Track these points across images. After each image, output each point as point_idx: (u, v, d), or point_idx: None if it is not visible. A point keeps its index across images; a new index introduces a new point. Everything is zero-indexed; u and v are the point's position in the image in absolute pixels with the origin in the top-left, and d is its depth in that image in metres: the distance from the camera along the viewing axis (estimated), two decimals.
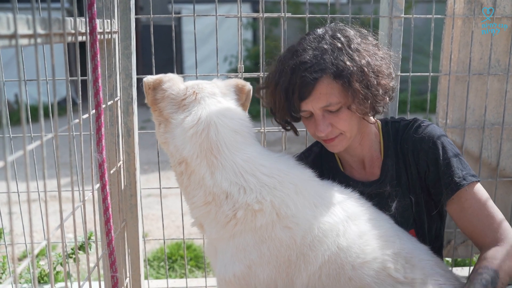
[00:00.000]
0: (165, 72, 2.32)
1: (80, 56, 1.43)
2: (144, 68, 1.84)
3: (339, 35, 1.80)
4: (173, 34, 2.27)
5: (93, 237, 2.32)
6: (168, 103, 1.78)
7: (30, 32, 1.16)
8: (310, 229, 1.66)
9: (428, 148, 1.85)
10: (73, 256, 2.66)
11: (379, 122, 2.03)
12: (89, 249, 2.51)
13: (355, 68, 1.73)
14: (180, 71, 12.26)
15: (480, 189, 1.81)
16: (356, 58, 1.75)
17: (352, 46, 1.78)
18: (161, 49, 2.26)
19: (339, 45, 1.77)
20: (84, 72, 1.48)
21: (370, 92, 1.76)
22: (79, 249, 2.66)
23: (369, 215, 1.78)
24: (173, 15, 2.34)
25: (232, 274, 1.69)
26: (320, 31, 1.85)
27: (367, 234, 1.71)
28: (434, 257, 1.84)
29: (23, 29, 1.13)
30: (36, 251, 1.20)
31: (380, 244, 1.70)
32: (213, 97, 1.79)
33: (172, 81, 1.81)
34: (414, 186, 1.92)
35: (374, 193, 1.93)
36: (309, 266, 1.66)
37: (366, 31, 1.93)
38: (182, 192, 1.86)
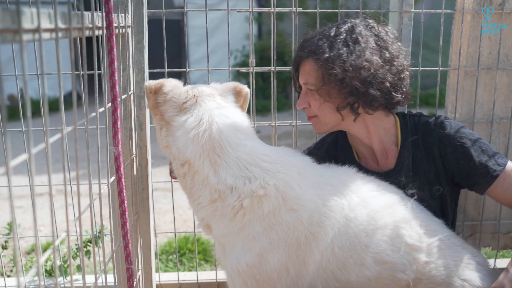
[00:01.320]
0: (172, 66, 2.35)
1: (86, 50, 1.45)
2: (150, 63, 1.86)
3: (354, 33, 1.90)
4: (186, 28, 2.28)
5: (104, 231, 2.34)
6: (169, 106, 1.82)
7: (52, 26, 1.18)
8: (316, 208, 1.71)
9: (457, 143, 1.92)
10: (85, 249, 2.69)
11: (396, 117, 2.06)
12: (100, 242, 2.53)
13: (342, 67, 1.83)
14: (184, 65, 12.28)
15: None
16: (352, 58, 1.83)
17: (354, 42, 1.87)
18: (166, 43, 2.28)
19: (342, 37, 1.89)
20: (90, 67, 1.49)
21: (348, 87, 1.84)
22: (90, 243, 2.69)
23: (374, 188, 1.84)
24: (185, 9, 2.35)
25: (245, 264, 1.71)
26: (345, 22, 1.97)
27: (373, 204, 1.77)
28: (449, 229, 1.90)
29: (45, 24, 1.15)
30: (57, 242, 1.22)
31: (389, 212, 1.77)
32: (212, 99, 1.84)
33: (173, 85, 1.85)
34: (440, 178, 1.98)
35: (389, 183, 1.95)
36: (320, 243, 1.70)
37: (385, 31, 1.98)
38: (187, 194, 1.86)
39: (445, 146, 1.94)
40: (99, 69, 1.50)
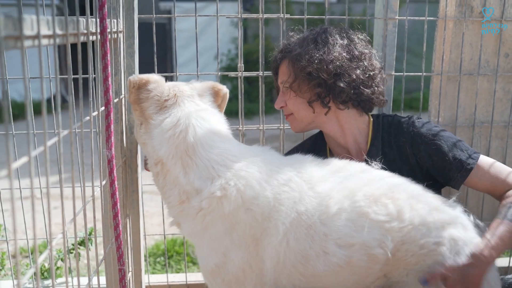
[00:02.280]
0: (158, 69, 2.38)
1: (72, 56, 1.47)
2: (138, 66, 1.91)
3: (325, 34, 2.05)
4: (174, 33, 2.32)
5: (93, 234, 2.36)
6: (151, 104, 1.84)
7: (50, 32, 1.21)
8: (267, 203, 1.71)
9: (429, 141, 1.98)
10: (74, 251, 2.70)
11: (370, 117, 2.15)
12: (90, 245, 2.54)
13: (299, 63, 1.99)
14: (171, 69, 12.27)
15: (484, 159, 1.96)
16: (308, 57, 1.98)
17: (311, 45, 2.01)
18: (152, 46, 2.31)
19: (312, 36, 2.05)
20: (76, 72, 1.51)
21: (316, 79, 1.97)
22: (80, 245, 2.70)
23: (337, 172, 1.83)
24: (174, 15, 2.39)
25: (213, 264, 1.74)
26: (321, 27, 2.12)
27: (327, 190, 1.75)
28: (417, 185, 1.87)
29: (44, 30, 1.18)
30: (54, 242, 1.25)
31: (345, 194, 1.73)
32: (192, 100, 1.86)
33: (157, 83, 1.86)
34: (415, 174, 2.02)
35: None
36: (272, 238, 1.70)
37: (358, 37, 2.13)
38: (160, 192, 1.90)
39: (417, 144, 2.00)
40: (88, 73, 1.53)
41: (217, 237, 1.73)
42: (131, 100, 1.88)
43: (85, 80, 1.58)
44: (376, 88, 2.07)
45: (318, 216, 1.70)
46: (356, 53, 2.03)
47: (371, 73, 2.04)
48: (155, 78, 1.88)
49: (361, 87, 2.01)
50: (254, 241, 1.71)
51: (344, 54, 2.01)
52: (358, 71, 2.00)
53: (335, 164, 1.88)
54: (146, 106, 1.84)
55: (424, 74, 2.62)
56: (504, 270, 2.83)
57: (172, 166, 1.77)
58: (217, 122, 1.88)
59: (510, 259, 2.91)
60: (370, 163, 1.98)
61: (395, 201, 1.72)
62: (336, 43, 2.02)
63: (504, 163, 2.71)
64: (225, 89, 2.02)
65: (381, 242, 1.68)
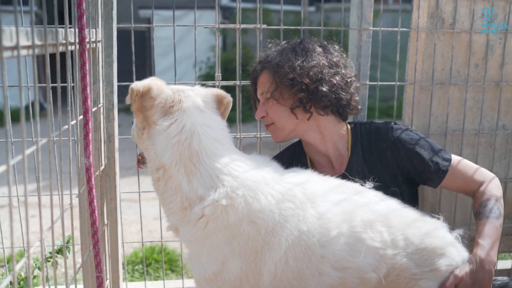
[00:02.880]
0: (137, 77, 2.40)
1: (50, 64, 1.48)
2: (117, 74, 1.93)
3: (302, 44, 2.13)
4: (152, 42, 2.35)
5: (70, 242, 2.36)
6: (156, 111, 1.81)
7: (29, 43, 1.24)
8: (273, 218, 1.72)
9: (409, 146, 2.08)
10: (50, 260, 2.69)
11: (348, 124, 2.20)
12: (67, 252, 2.54)
13: (281, 71, 2.04)
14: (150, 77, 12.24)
15: (455, 158, 2.11)
16: (289, 65, 2.04)
17: (291, 54, 2.08)
18: (130, 54, 2.34)
19: (290, 46, 2.12)
20: (54, 81, 1.53)
21: (298, 85, 2.02)
22: (58, 253, 2.69)
23: (334, 192, 1.85)
24: (153, 25, 2.42)
25: (211, 272, 1.75)
26: (297, 39, 2.19)
27: (328, 212, 1.77)
28: (408, 208, 1.93)
29: (22, 41, 1.20)
30: (31, 250, 1.27)
31: (344, 218, 1.76)
32: (197, 106, 1.86)
33: (160, 89, 1.83)
34: (396, 179, 2.11)
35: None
36: (274, 253, 1.72)
37: (333, 47, 2.21)
38: (159, 198, 1.90)
39: (398, 149, 2.09)
40: (66, 82, 1.55)
41: (218, 245, 1.74)
42: (134, 109, 1.85)
43: (64, 89, 1.60)
44: (353, 95, 2.15)
45: (318, 239, 1.73)
46: (334, 60, 2.12)
47: (348, 80, 2.12)
48: (157, 84, 1.84)
49: (341, 92, 2.08)
50: (254, 253, 1.72)
51: (323, 61, 2.08)
52: (337, 77, 2.08)
53: (335, 183, 1.92)
54: (151, 114, 1.82)
55: (397, 83, 2.69)
56: None
57: (175, 172, 1.77)
58: (221, 130, 1.88)
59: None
60: (353, 173, 2.07)
61: (389, 229, 1.77)
62: (315, 51, 2.10)
63: None
64: (229, 97, 2.00)
65: (375, 267, 1.74)
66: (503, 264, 3.08)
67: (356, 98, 2.17)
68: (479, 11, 2.66)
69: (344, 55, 2.22)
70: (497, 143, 2.83)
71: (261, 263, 1.73)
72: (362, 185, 1.96)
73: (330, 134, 2.15)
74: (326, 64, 2.08)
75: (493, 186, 2.04)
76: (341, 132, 2.17)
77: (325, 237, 1.73)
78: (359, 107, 2.21)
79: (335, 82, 2.06)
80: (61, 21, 1.48)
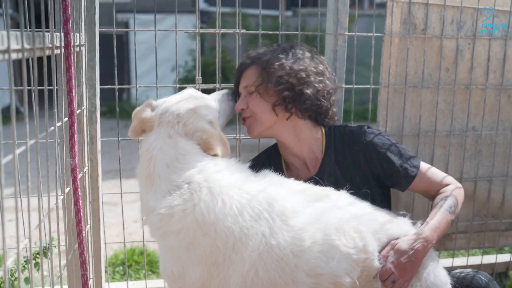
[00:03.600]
0: (113, 81, 2.46)
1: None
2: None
3: (293, 49, 2.21)
4: (133, 45, 2.40)
5: (54, 242, 2.39)
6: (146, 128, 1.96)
7: (19, 47, 1.28)
8: (231, 234, 1.75)
9: (380, 150, 2.15)
10: (35, 260, 2.70)
11: (322, 128, 2.27)
12: (48, 254, 2.56)
13: (270, 68, 2.11)
14: (128, 81, 12.21)
15: (424, 165, 2.19)
16: (279, 63, 2.12)
17: (282, 54, 2.17)
18: (108, 58, 2.38)
19: (278, 53, 2.19)
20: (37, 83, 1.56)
21: (284, 84, 2.09)
22: (38, 255, 2.71)
23: (305, 202, 1.90)
24: (135, 29, 2.47)
25: (170, 272, 1.84)
26: (288, 44, 2.29)
27: (299, 222, 1.82)
28: (378, 210, 2.04)
29: (13, 45, 1.25)
30: (21, 247, 1.31)
31: (318, 227, 1.83)
32: (168, 126, 1.89)
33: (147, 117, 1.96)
34: (368, 181, 2.20)
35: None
36: (238, 268, 1.76)
37: (321, 58, 2.31)
38: None
39: (370, 152, 2.17)
40: (51, 85, 1.59)
41: (172, 249, 1.82)
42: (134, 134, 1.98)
43: (41, 92, 1.64)
44: (332, 105, 2.24)
45: (291, 250, 1.78)
46: (321, 68, 2.21)
47: (330, 90, 2.21)
48: (147, 115, 1.96)
49: (322, 100, 2.17)
50: (215, 264, 1.78)
51: (311, 67, 2.17)
52: (321, 85, 2.17)
53: (307, 190, 1.98)
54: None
55: (372, 86, 2.78)
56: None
57: (140, 184, 1.91)
58: (175, 155, 1.86)
59: (453, 259, 3.11)
60: (325, 175, 2.15)
61: (361, 234, 1.86)
62: (304, 57, 2.19)
63: (447, 169, 2.91)
64: (215, 151, 1.91)
65: (349, 271, 1.82)
66: (473, 260, 3.19)
67: (334, 109, 2.28)
68: (449, 18, 2.78)
69: (329, 68, 2.31)
70: (467, 144, 2.95)
71: (225, 276, 1.79)
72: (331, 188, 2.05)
73: (306, 137, 2.22)
74: (314, 70, 2.17)
75: (457, 190, 2.14)
76: (316, 136, 2.25)
77: (298, 247, 1.79)
78: (336, 118, 2.31)
79: (319, 88, 2.15)
80: (38, 25, 1.51)
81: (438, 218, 2.00)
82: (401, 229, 1.98)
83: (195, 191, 1.78)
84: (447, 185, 2.16)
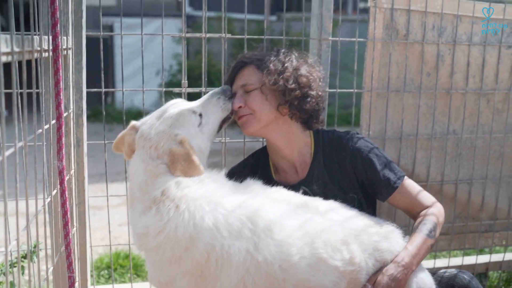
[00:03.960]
0: (99, 84, 2.47)
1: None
2: None
3: (287, 51, 2.26)
4: (122, 50, 2.42)
5: (40, 246, 2.39)
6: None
7: (8, 50, 1.30)
8: (212, 250, 1.78)
9: (365, 157, 2.18)
10: (17, 264, 2.69)
11: (311, 132, 2.30)
12: (35, 257, 2.56)
13: (274, 67, 2.14)
14: (112, 84, 12.16)
15: (407, 181, 2.21)
16: (282, 65, 2.15)
17: (285, 58, 2.19)
18: (92, 61, 2.39)
19: (280, 55, 2.22)
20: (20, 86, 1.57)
21: (285, 86, 2.11)
22: (24, 258, 2.70)
23: (291, 214, 1.93)
24: (122, 33, 2.48)
25: (157, 280, 1.91)
26: (286, 48, 2.34)
27: (288, 239, 1.84)
28: (365, 217, 2.07)
29: (2, 48, 1.27)
30: (9, 248, 1.32)
31: (305, 241, 1.86)
32: (143, 151, 1.93)
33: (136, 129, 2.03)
34: (353, 187, 2.23)
35: (303, 193, 2.15)
36: (225, 284, 1.80)
37: (305, 56, 2.32)
38: None
39: (356, 159, 2.20)
40: (39, 88, 1.61)
41: (155, 262, 1.88)
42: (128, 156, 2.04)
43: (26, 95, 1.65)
44: (323, 110, 2.29)
45: (280, 265, 1.81)
46: (320, 75, 2.26)
47: (323, 97, 2.26)
48: (131, 139, 2.01)
49: (320, 104, 2.23)
50: (201, 276, 1.81)
51: (312, 73, 2.21)
52: (320, 92, 2.22)
53: (292, 199, 2.00)
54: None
55: (355, 90, 2.83)
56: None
57: (128, 200, 2.01)
58: (144, 179, 1.90)
59: (435, 261, 3.16)
60: (314, 179, 2.19)
61: (348, 247, 1.90)
62: (307, 62, 2.25)
63: (428, 172, 2.97)
64: (176, 173, 1.94)
65: (336, 282, 1.86)
66: (454, 261, 3.25)
67: (322, 117, 2.32)
68: (430, 24, 2.84)
69: (320, 68, 2.35)
70: (448, 147, 3.01)
71: (213, 287, 1.83)
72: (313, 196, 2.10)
73: (297, 140, 2.25)
74: (317, 76, 2.22)
75: (436, 211, 2.15)
76: (306, 140, 2.28)
77: (287, 262, 1.82)
78: (323, 122, 2.36)
79: (320, 93, 2.21)
80: (19, 28, 1.51)
81: (418, 243, 2.00)
82: (387, 239, 2.00)
83: (164, 209, 1.82)
84: (429, 206, 2.17)
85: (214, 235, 1.78)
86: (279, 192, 2.03)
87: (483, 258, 3.36)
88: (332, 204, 2.05)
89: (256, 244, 1.80)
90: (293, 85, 2.12)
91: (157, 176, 1.87)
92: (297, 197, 2.04)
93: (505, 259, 3.35)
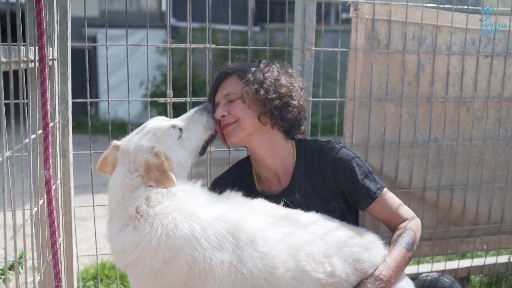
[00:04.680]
0: (83, 95, 2.49)
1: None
2: None
3: (268, 62, 2.31)
4: (107, 61, 2.44)
5: (27, 257, 2.38)
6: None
7: None
8: (193, 262, 1.78)
9: (346, 167, 2.22)
10: (4, 275, 2.67)
11: (293, 141, 2.34)
12: (20, 268, 2.55)
13: (255, 77, 2.18)
14: (95, 95, 12.12)
15: (388, 193, 2.25)
16: (263, 75, 2.20)
17: (266, 68, 2.24)
18: (75, 73, 2.41)
19: (261, 65, 2.27)
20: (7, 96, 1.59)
21: (265, 96, 2.16)
22: (10, 269, 2.68)
23: (273, 226, 1.94)
24: (107, 44, 2.50)
25: None
26: (267, 59, 2.41)
27: (272, 251, 1.85)
28: (346, 227, 2.08)
29: None
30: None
31: (289, 253, 1.88)
32: (123, 166, 1.97)
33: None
34: (335, 195, 2.26)
35: (286, 203, 2.17)
36: None
37: (286, 67, 2.36)
38: None
39: (337, 168, 2.24)
40: (26, 99, 1.62)
41: (137, 276, 1.87)
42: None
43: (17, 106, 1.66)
44: (304, 120, 2.33)
45: (265, 278, 1.82)
46: (301, 85, 2.31)
47: (302, 103, 2.29)
48: (114, 157, 2.06)
49: (302, 114, 2.28)
50: (185, 287, 1.82)
51: (297, 83, 2.27)
52: (302, 100, 2.27)
53: (273, 211, 2.02)
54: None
55: (338, 99, 2.88)
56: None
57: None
58: (122, 193, 1.92)
59: (418, 266, 3.21)
60: (296, 188, 2.22)
61: (329, 259, 1.92)
62: (288, 73, 2.30)
63: (411, 179, 3.02)
64: (149, 184, 1.98)
65: None
66: (437, 266, 3.31)
67: (304, 128, 2.36)
68: (410, 34, 2.91)
69: (301, 78, 2.40)
70: (430, 154, 3.07)
71: None
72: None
73: (280, 149, 2.28)
74: (298, 86, 2.27)
75: (414, 225, 2.18)
76: (289, 149, 2.31)
77: (272, 275, 1.83)
78: (304, 132, 2.40)
79: (301, 103, 2.26)
80: (4, 39, 1.53)
81: (396, 256, 2.03)
82: (368, 249, 2.02)
83: (141, 227, 1.83)
84: (404, 219, 2.21)
85: (193, 245, 1.78)
86: (260, 204, 2.05)
87: (465, 263, 3.42)
88: (313, 217, 2.07)
89: (240, 257, 1.81)
90: (273, 95, 2.16)
91: (134, 190, 1.91)
92: (279, 209, 2.06)
93: (486, 263, 3.42)
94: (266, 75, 2.20)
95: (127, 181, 1.92)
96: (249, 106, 2.18)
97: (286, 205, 2.13)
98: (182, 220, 1.82)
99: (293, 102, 2.20)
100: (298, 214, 2.05)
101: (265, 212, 2.00)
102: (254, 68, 2.23)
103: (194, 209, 1.88)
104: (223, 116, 2.20)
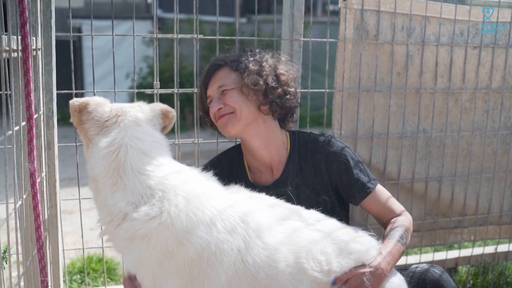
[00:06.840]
0: (69, 86, 2.43)
1: None
2: None
3: (260, 51, 2.28)
4: (93, 52, 2.39)
5: (11, 251, 2.34)
6: (92, 125, 1.86)
7: None
8: (207, 247, 1.73)
9: (341, 161, 2.22)
10: None
11: (287, 132, 2.32)
12: (5, 263, 2.51)
13: (252, 67, 2.16)
14: (81, 87, 11.99)
15: (381, 188, 2.27)
16: (260, 64, 2.18)
17: (260, 57, 2.22)
18: (60, 64, 2.35)
19: (255, 54, 2.25)
20: None
21: (266, 85, 2.15)
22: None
23: (276, 219, 1.92)
24: (92, 34, 2.45)
25: (143, 286, 1.80)
26: (259, 48, 2.35)
27: (275, 244, 1.84)
28: (343, 227, 2.05)
29: None
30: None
31: (291, 249, 1.86)
32: (133, 120, 1.88)
33: (97, 104, 1.89)
34: (327, 189, 2.25)
35: (278, 194, 2.15)
36: (212, 284, 1.75)
37: (279, 55, 2.35)
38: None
39: (331, 162, 2.23)
40: (8, 89, 1.58)
41: (143, 261, 1.75)
42: (74, 123, 1.90)
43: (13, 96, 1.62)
44: (300, 105, 2.34)
45: (266, 271, 1.79)
46: (294, 71, 2.31)
47: (298, 93, 2.29)
48: (96, 100, 1.90)
49: (297, 101, 2.28)
50: (189, 275, 1.75)
51: (288, 71, 2.25)
52: (297, 88, 2.29)
53: (277, 206, 1.99)
54: (88, 127, 1.86)
55: (327, 90, 2.86)
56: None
57: (103, 185, 1.79)
58: (153, 142, 1.88)
59: (407, 257, 3.22)
60: (288, 179, 2.21)
61: (327, 257, 1.89)
62: (281, 61, 2.28)
63: (399, 170, 3.02)
64: (173, 112, 2.04)
65: None
66: (425, 257, 3.32)
67: (297, 113, 2.36)
68: (399, 24, 2.89)
69: (295, 66, 2.39)
70: (418, 145, 3.07)
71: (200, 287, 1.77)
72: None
73: (276, 139, 2.26)
74: (291, 76, 2.26)
75: (406, 220, 2.18)
76: (283, 140, 2.30)
77: (273, 269, 1.81)
78: (296, 121, 2.41)
79: (297, 89, 2.27)
80: None
81: (391, 249, 2.02)
82: (365, 246, 2.00)
83: (170, 199, 1.76)
84: (397, 214, 2.21)
85: (210, 230, 1.75)
86: (265, 198, 2.02)
87: (453, 254, 3.44)
88: (314, 213, 2.04)
89: (247, 243, 1.79)
90: (274, 84, 2.16)
91: (158, 145, 1.90)
92: (282, 204, 2.03)
93: (474, 253, 3.44)
94: (263, 64, 2.18)
95: (149, 130, 1.91)
96: (248, 98, 2.16)
97: (278, 196, 2.10)
98: (207, 208, 1.78)
99: (291, 90, 2.21)
100: (300, 209, 2.03)
101: (269, 204, 1.98)
102: (248, 58, 2.21)
103: (215, 194, 1.86)
104: (220, 108, 2.18)
